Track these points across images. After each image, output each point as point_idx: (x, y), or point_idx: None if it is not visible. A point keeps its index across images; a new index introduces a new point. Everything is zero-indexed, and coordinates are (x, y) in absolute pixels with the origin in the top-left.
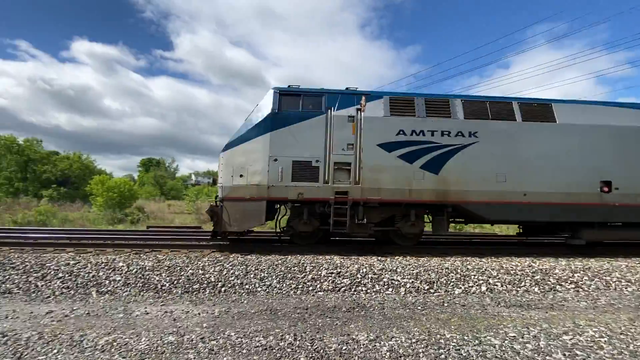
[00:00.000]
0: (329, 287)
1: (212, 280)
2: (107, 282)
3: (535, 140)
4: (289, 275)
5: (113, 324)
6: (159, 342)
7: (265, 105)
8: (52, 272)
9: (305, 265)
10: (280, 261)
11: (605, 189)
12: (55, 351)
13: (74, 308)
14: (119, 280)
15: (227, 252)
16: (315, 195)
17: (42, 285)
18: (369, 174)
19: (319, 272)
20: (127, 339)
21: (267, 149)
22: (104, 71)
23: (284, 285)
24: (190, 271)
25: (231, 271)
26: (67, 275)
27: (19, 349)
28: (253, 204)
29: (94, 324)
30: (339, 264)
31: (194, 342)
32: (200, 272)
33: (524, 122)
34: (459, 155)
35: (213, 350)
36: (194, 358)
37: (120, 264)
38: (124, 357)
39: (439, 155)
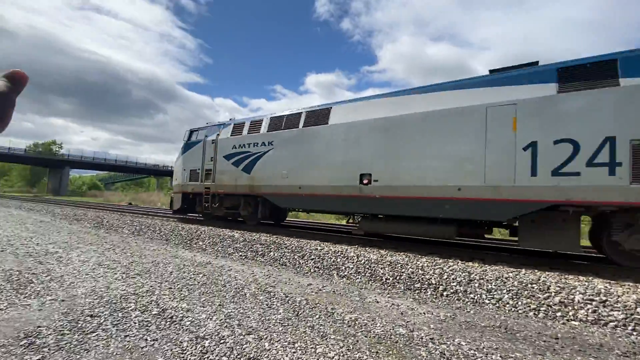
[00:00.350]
0: (589, 318)
1: (433, 282)
2: (344, 268)
3: (311, 142)
4: (525, 292)
5: (352, 305)
6: (391, 330)
7: (184, 138)
8: (307, 254)
9: (548, 284)
10: (511, 274)
11: (365, 181)
12: (316, 317)
13: (324, 285)
14: (352, 268)
15: (445, 256)
16: (198, 190)
17: (302, 263)
18: (219, 175)
19: (571, 297)
20: (365, 321)
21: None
22: (326, 95)
23: (519, 303)
24: (410, 269)
25: (452, 276)
26: (317, 258)
27: (295, 309)
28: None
29: (339, 301)
30: (602, 290)
31: (423, 340)
32: (420, 272)
33: (305, 127)
34: (261, 159)
35: (445, 355)
36: (426, 357)
37: (352, 254)
38: (365, 336)
39: (250, 161)
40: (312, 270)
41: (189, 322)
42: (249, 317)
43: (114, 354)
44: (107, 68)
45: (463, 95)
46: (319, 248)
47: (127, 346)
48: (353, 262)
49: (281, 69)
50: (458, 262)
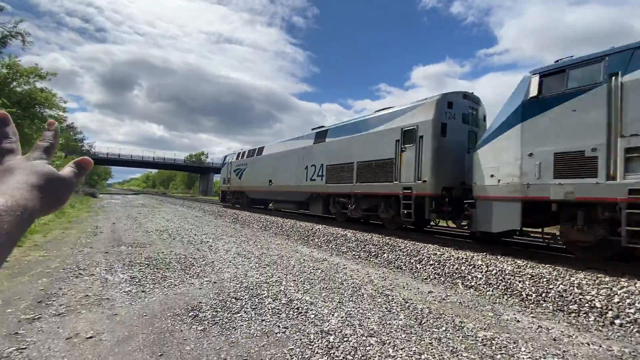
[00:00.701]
0: None
1: (597, 305)
2: (470, 277)
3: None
4: None
5: (485, 320)
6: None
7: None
8: (425, 259)
9: None
10: None
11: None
12: (442, 328)
13: (448, 294)
14: (480, 278)
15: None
16: (229, 189)
17: (420, 268)
18: (231, 181)
19: None
20: (504, 342)
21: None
22: (436, 87)
23: None
24: (562, 286)
25: (627, 301)
26: (436, 263)
27: (417, 317)
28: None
29: (467, 314)
30: None
31: None
32: (576, 290)
33: (256, 156)
34: (244, 172)
35: None
36: None
37: (479, 262)
38: None
39: (241, 172)
40: (431, 277)
41: (313, 315)
42: (368, 318)
43: (254, 335)
44: (236, 89)
45: (294, 143)
46: (439, 253)
47: (264, 330)
48: (481, 272)
49: (385, 67)
50: (636, 283)
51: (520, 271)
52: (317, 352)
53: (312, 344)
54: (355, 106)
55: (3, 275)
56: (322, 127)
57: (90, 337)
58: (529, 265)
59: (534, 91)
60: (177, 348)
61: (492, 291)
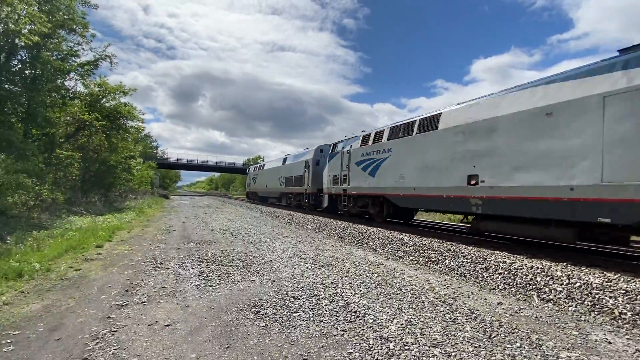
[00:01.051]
0: None
1: None
2: (547, 289)
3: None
4: None
5: (568, 340)
6: None
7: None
8: (493, 267)
9: None
10: None
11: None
12: (516, 345)
13: (521, 307)
14: (561, 291)
15: None
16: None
17: (487, 277)
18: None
19: None
20: None
21: None
22: (499, 80)
23: None
24: None
25: None
26: (505, 272)
27: (486, 329)
28: None
29: (546, 331)
30: None
31: None
32: None
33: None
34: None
35: None
36: None
37: (559, 273)
38: None
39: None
40: (500, 287)
41: (372, 320)
42: (430, 327)
43: (313, 335)
44: (289, 94)
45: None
46: (508, 261)
47: (322, 331)
48: (562, 284)
49: (441, 62)
50: None
51: (611, 285)
52: (377, 359)
53: (372, 349)
54: (409, 105)
55: (98, 266)
56: (259, 163)
57: (168, 325)
58: (622, 279)
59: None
60: (242, 342)
61: (576, 307)
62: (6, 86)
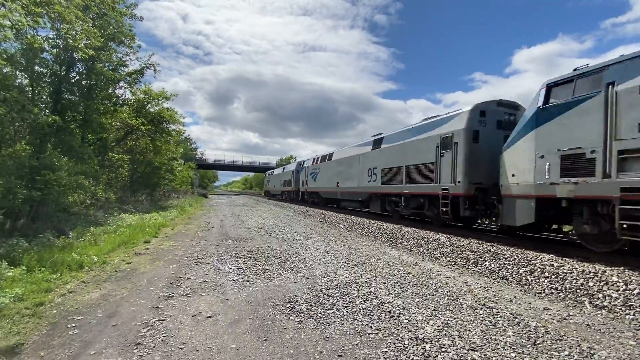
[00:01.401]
0: None
1: None
2: (601, 296)
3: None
4: None
5: (625, 350)
6: None
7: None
8: (538, 270)
9: None
10: None
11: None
12: (565, 353)
13: (570, 314)
14: (617, 298)
15: None
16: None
17: (531, 280)
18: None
19: None
20: None
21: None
22: (546, 70)
23: None
24: None
25: None
26: (552, 276)
27: (530, 335)
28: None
29: (598, 340)
30: None
31: None
32: None
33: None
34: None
35: None
36: None
37: (614, 278)
38: None
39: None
40: (547, 292)
41: (407, 320)
42: (469, 330)
43: (347, 333)
44: (320, 94)
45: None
46: (556, 264)
47: (356, 329)
48: (618, 290)
49: (480, 54)
50: None
51: None
52: (412, 359)
53: (407, 349)
54: (445, 100)
55: (146, 260)
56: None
57: (210, 317)
58: None
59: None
60: (279, 336)
61: (634, 315)
62: (66, 96)
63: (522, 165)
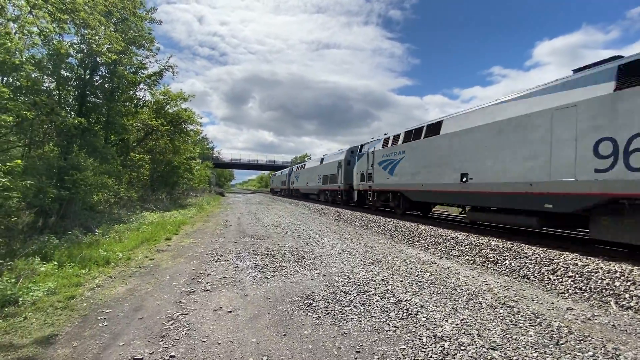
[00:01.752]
0: None
1: None
2: (628, 296)
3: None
4: None
5: None
6: None
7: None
8: (561, 270)
9: None
10: None
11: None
12: (589, 353)
13: (595, 314)
14: None
15: None
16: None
17: (554, 280)
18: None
19: None
20: None
21: None
22: (568, 63)
23: None
24: None
25: None
26: (576, 276)
27: (553, 335)
28: None
29: (625, 341)
30: None
31: None
32: None
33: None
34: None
35: None
36: None
37: None
38: None
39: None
40: (570, 291)
41: (425, 319)
42: (489, 329)
43: (365, 329)
44: (334, 91)
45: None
46: (581, 264)
47: (374, 326)
48: None
49: (498, 48)
50: None
51: None
52: (431, 357)
53: (425, 347)
54: (462, 95)
55: (168, 256)
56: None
57: (230, 312)
58: None
59: None
60: (297, 331)
61: None
62: (91, 99)
63: (355, 176)
